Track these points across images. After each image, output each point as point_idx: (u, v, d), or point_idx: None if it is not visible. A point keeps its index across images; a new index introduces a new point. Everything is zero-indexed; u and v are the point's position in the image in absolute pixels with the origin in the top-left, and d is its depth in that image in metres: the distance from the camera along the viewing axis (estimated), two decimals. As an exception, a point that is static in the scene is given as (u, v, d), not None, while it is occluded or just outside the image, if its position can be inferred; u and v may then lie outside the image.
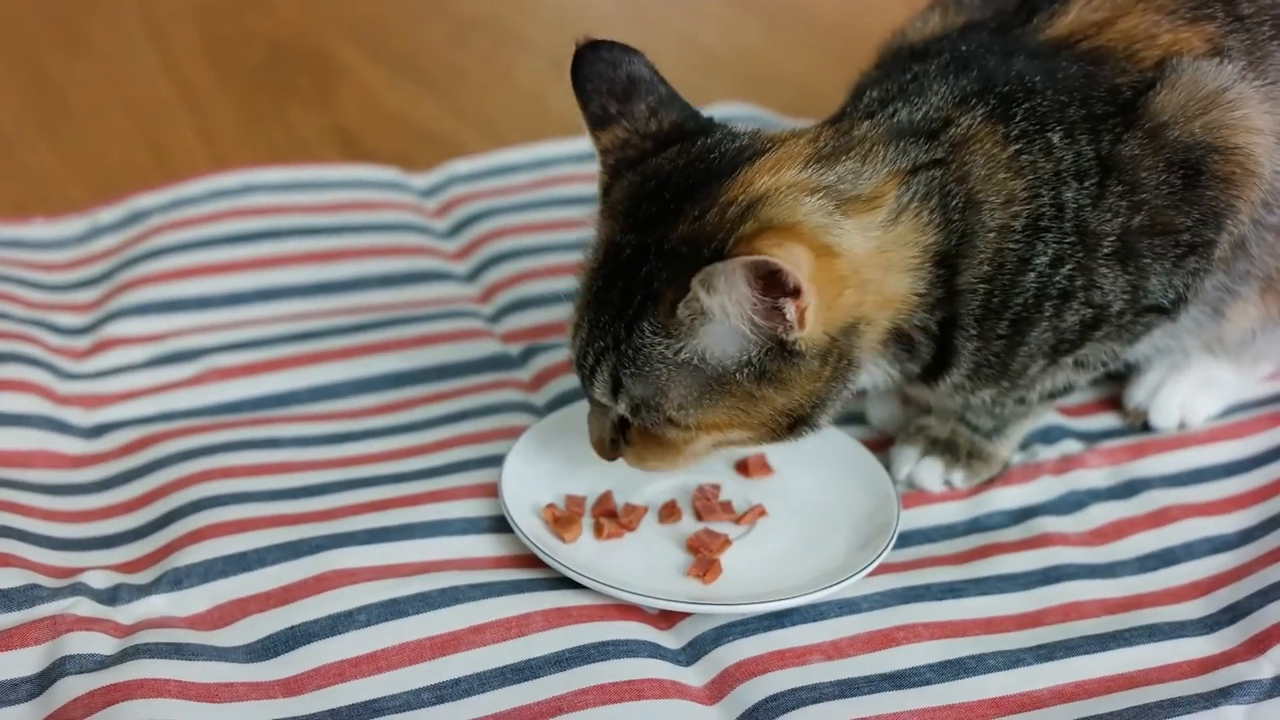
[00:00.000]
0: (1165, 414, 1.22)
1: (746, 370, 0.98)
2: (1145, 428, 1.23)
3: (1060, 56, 1.07)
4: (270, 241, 1.41)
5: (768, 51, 1.81)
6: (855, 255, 0.98)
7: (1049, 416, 1.22)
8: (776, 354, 0.97)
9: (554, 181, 1.52)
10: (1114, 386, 1.26)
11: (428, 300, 1.37)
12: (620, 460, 1.07)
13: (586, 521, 1.11)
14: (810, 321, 0.95)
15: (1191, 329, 1.16)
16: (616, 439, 1.05)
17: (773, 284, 0.93)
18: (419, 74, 1.77)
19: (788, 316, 0.94)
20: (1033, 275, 1.04)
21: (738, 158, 1.00)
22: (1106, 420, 1.24)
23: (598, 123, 1.05)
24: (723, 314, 0.95)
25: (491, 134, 1.65)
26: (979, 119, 1.04)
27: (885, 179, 1.01)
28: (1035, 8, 1.11)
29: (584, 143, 1.53)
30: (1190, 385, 1.22)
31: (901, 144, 1.03)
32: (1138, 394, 1.23)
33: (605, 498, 1.13)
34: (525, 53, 1.82)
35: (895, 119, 1.04)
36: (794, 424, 1.02)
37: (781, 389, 0.99)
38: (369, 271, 1.39)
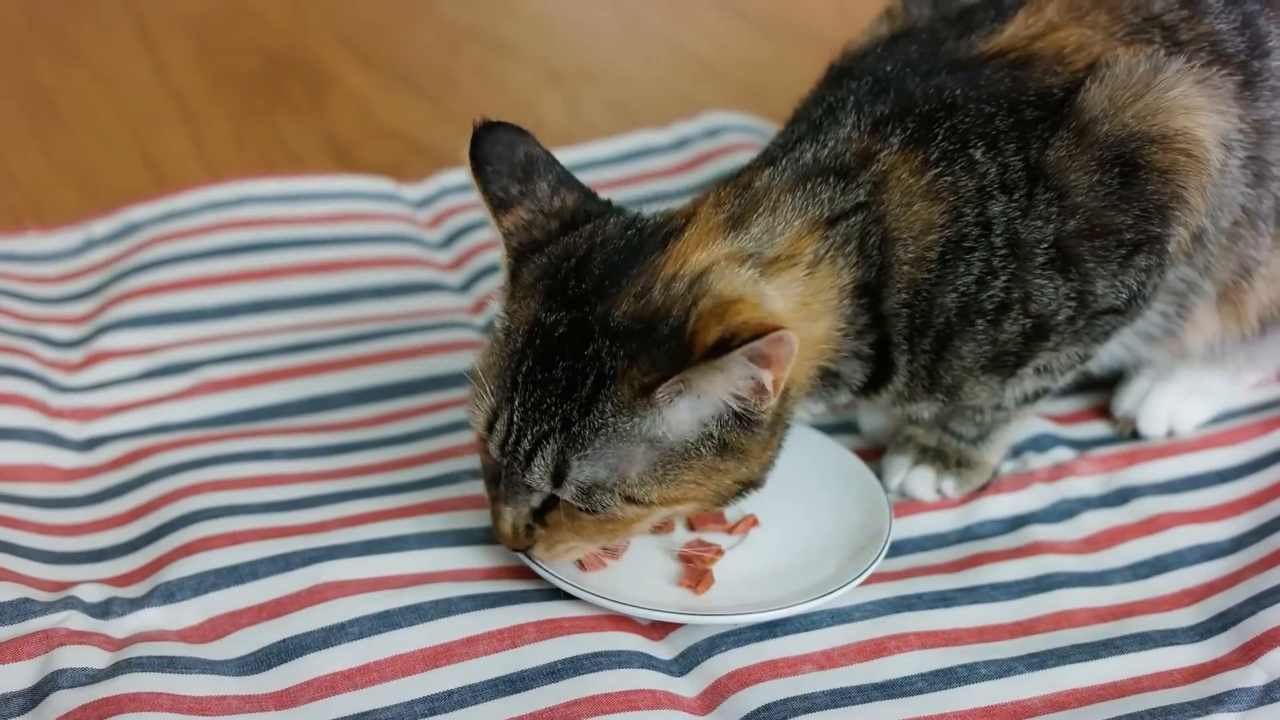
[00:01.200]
0: (1153, 422, 1.22)
1: (708, 444, 0.98)
2: (1134, 436, 1.23)
3: (986, 66, 1.06)
4: (263, 253, 1.41)
5: (761, 61, 1.82)
6: (782, 318, 0.98)
7: (1040, 425, 1.22)
8: (735, 426, 0.98)
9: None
10: (1105, 394, 1.26)
11: (421, 311, 1.37)
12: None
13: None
14: (778, 390, 0.96)
15: (1158, 322, 1.15)
16: (531, 526, 1.02)
17: (762, 359, 0.94)
18: (411, 83, 1.78)
19: (766, 388, 0.95)
20: (954, 295, 1.04)
21: (658, 233, 1.00)
22: (1098, 428, 1.24)
23: (500, 205, 1.02)
24: (705, 393, 0.96)
25: (484, 144, 1.64)
26: (895, 148, 1.03)
27: (800, 233, 1.01)
28: (973, 24, 1.10)
29: (575, 153, 1.56)
30: (1178, 393, 1.22)
31: (810, 186, 1.02)
32: (1125, 402, 1.23)
33: None
34: (516, 62, 1.83)
35: (800, 162, 1.04)
36: (743, 489, 1.02)
37: (741, 459, 1.00)
38: (362, 283, 1.39)
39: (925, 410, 1.12)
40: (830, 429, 1.22)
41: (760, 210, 1.02)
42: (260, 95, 1.74)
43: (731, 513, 1.14)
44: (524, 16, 1.94)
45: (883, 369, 1.07)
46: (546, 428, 0.97)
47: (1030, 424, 1.21)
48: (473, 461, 1.17)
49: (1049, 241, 1.04)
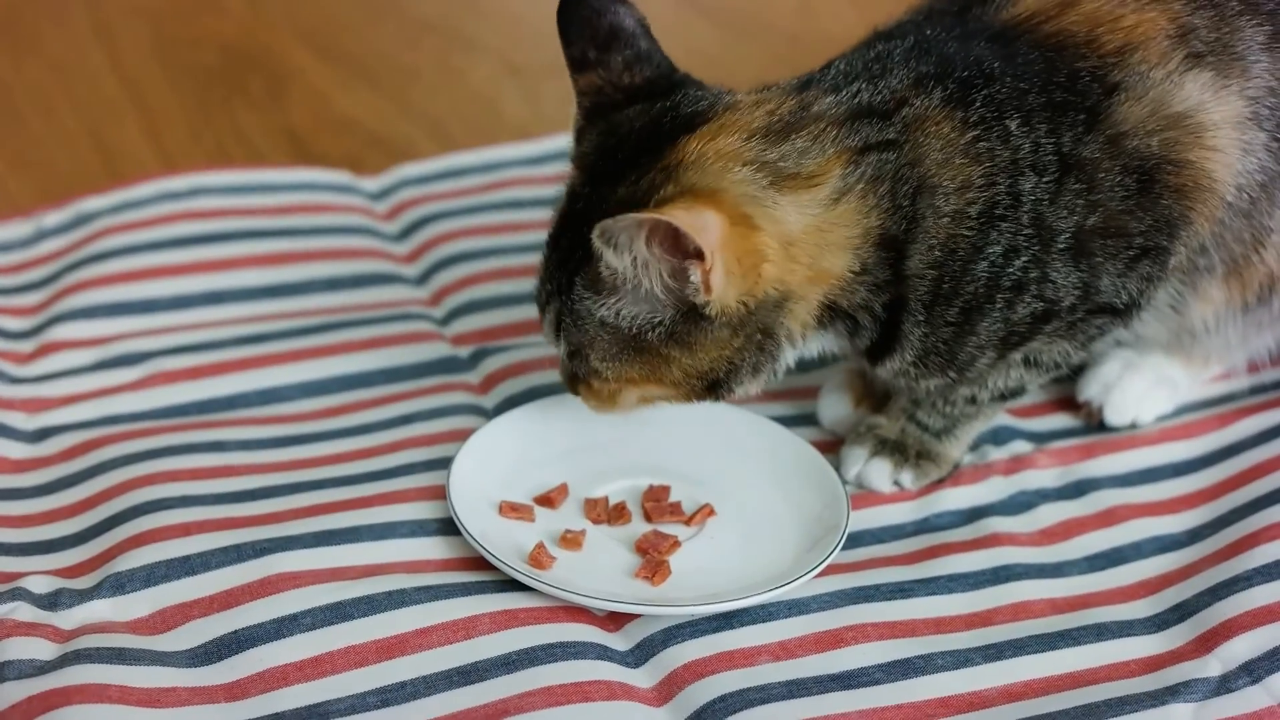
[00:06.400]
0: (1120, 412, 1.22)
1: (658, 330, 1.02)
2: (1100, 426, 1.23)
3: (1020, 42, 1.07)
4: (219, 244, 1.40)
5: (720, 55, 1.81)
6: (785, 231, 1.01)
7: (999, 417, 1.22)
8: (687, 318, 1.01)
9: (505, 184, 1.51)
10: (1064, 388, 1.26)
11: (377, 303, 1.36)
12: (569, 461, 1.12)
13: (540, 529, 1.11)
14: (719, 287, 0.98)
15: (1152, 323, 1.16)
16: (575, 375, 1.08)
17: (676, 245, 0.96)
18: (370, 76, 1.77)
19: (692, 279, 0.97)
20: (985, 264, 1.04)
21: (690, 121, 1.03)
22: (1056, 421, 1.24)
23: (576, 66, 1.08)
24: (632, 273, 0.99)
25: (442, 137, 1.64)
26: (936, 102, 1.04)
27: (830, 158, 1.02)
28: None
29: (535, 146, 1.55)
30: (1144, 384, 1.23)
31: (855, 124, 1.04)
32: (1091, 388, 1.23)
33: (560, 490, 1.14)
34: (477, 55, 1.82)
35: (856, 99, 1.05)
36: (708, 387, 1.05)
37: (689, 352, 1.03)
38: (318, 274, 1.38)
39: (932, 384, 1.12)
40: (789, 420, 1.22)
41: (805, 132, 1.03)
42: (218, 88, 1.73)
43: (688, 504, 1.13)
44: (484, 10, 1.94)
45: (888, 338, 1.07)
46: (551, 288, 1.05)
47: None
48: (427, 453, 1.17)
49: (1070, 232, 1.05)
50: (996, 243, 1.04)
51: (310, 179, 1.51)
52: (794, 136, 1.02)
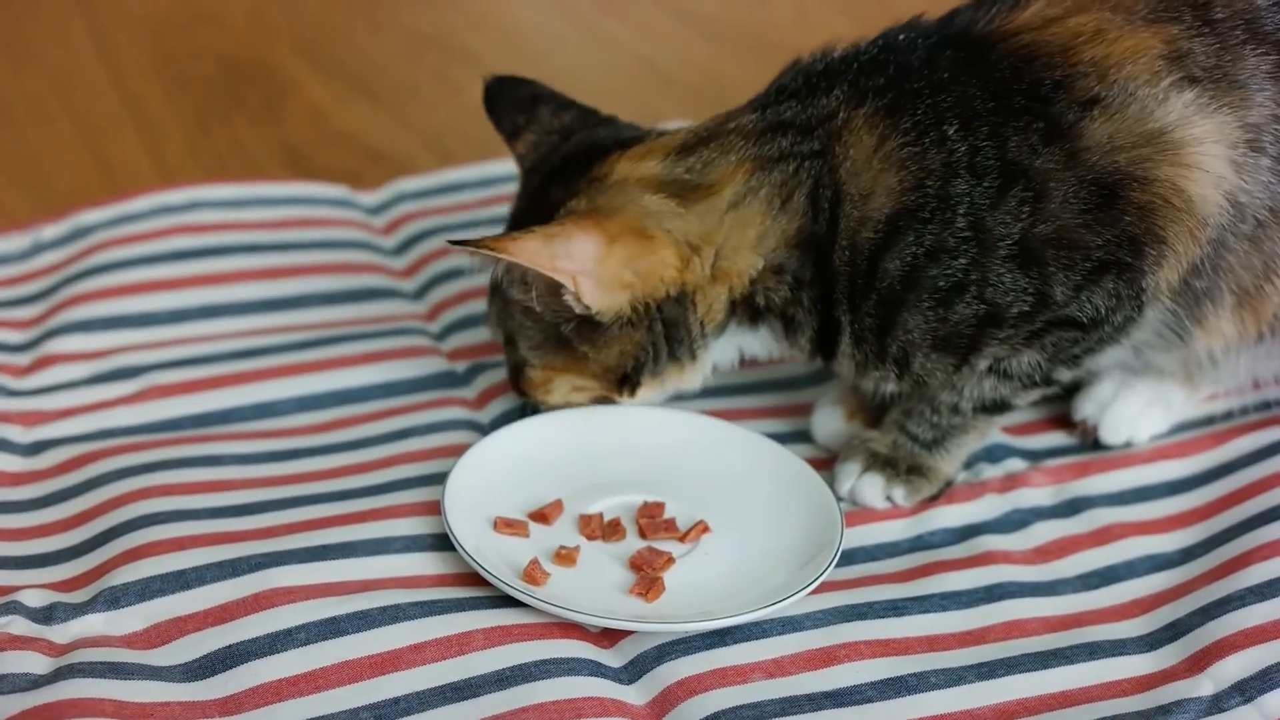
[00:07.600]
0: (1116, 431, 1.22)
1: (569, 325, 1.11)
2: (1095, 444, 1.23)
3: (993, 50, 1.08)
4: (215, 258, 1.40)
5: (717, 70, 1.82)
6: (687, 236, 1.09)
7: (994, 435, 1.22)
8: (576, 316, 1.10)
9: (502, 199, 1.51)
10: (1058, 406, 1.26)
11: (374, 317, 1.36)
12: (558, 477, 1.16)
13: (534, 545, 1.11)
14: (595, 299, 1.08)
15: (1159, 352, 1.16)
16: (515, 367, 1.17)
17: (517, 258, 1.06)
18: (368, 91, 1.77)
19: (565, 296, 1.08)
20: (898, 263, 1.07)
21: (623, 142, 1.13)
22: (1051, 439, 1.25)
23: (511, 135, 1.21)
24: (518, 279, 1.10)
25: (440, 152, 1.65)
26: (864, 114, 1.08)
27: (734, 165, 1.10)
28: None
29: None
30: (1140, 403, 1.23)
31: (769, 136, 1.10)
32: (1086, 407, 1.23)
33: (555, 506, 1.14)
34: (475, 70, 1.80)
35: (781, 117, 1.11)
36: (620, 380, 1.14)
37: (595, 347, 1.12)
38: (315, 288, 1.38)
39: (888, 385, 1.14)
40: (783, 437, 1.22)
41: (715, 144, 1.11)
42: (216, 101, 1.73)
43: (683, 520, 1.13)
44: (485, 26, 1.94)
45: (830, 328, 1.12)
46: (492, 282, 1.16)
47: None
48: (422, 468, 1.17)
49: (1014, 239, 1.06)
50: (916, 243, 1.06)
51: (308, 193, 1.51)
52: (703, 149, 1.11)
